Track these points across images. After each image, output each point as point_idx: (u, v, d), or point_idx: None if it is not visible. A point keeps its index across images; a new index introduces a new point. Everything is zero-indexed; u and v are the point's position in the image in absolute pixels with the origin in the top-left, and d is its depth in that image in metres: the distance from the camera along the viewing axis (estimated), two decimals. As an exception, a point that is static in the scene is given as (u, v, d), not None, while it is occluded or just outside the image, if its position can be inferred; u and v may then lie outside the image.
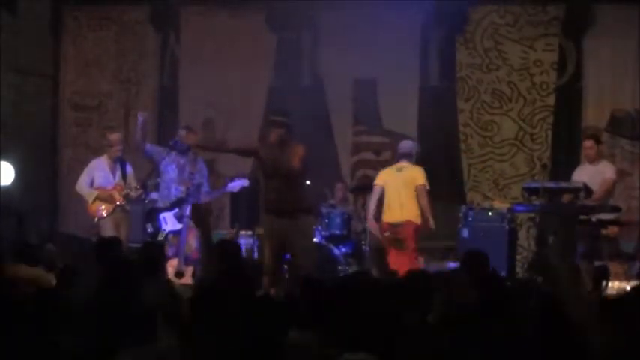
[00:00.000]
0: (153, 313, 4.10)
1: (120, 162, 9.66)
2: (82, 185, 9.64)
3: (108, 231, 9.35)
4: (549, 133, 10.98)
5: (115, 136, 9.85)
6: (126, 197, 9.49)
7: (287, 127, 7.68)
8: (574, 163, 10.19)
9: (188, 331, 3.79)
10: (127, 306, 4.14)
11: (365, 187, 10.62)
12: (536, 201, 9.25)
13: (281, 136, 7.64)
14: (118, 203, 9.48)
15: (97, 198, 9.51)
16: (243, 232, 10.35)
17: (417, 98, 11.26)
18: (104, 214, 9.47)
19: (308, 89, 11.53)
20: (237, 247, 6.70)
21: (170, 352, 3.73)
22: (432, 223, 8.85)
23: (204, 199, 9.34)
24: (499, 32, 11.12)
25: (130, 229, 9.61)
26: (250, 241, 10.14)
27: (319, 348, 3.93)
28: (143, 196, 9.70)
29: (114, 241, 6.89)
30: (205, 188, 9.30)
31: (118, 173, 9.61)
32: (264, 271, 7.66)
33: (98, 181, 9.59)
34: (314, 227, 8.67)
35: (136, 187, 9.51)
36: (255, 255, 9.91)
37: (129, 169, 9.71)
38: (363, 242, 10.09)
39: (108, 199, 9.50)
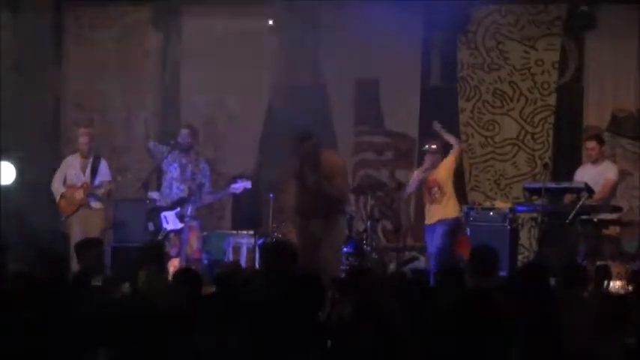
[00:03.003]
0: None
1: (94, 159, 9.70)
2: (55, 182, 9.77)
3: (74, 229, 9.52)
4: (551, 132, 10.97)
5: (82, 130, 9.97)
6: (89, 195, 9.54)
7: (311, 147, 7.78)
8: (575, 162, 10.21)
9: None
10: None
11: (366, 187, 10.64)
12: (538, 201, 9.26)
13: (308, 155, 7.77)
14: (80, 203, 9.56)
15: (62, 196, 9.61)
16: (244, 232, 10.34)
17: (419, 98, 11.26)
18: (67, 212, 9.59)
19: (309, 89, 11.51)
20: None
21: None
22: None
23: (206, 199, 9.36)
24: (501, 32, 11.11)
25: (103, 226, 9.73)
26: (251, 241, 10.13)
27: None
28: (109, 196, 9.80)
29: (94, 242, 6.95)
30: (207, 188, 9.32)
31: (88, 171, 9.67)
32: None
33: (69, 179, 9.70)
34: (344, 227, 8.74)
35: (108, 183, 9.58)
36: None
37: (102, 166, 9.75)
38: (364, 242, 10.08)
39: (70, 198, 9.58)
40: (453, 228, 9.46)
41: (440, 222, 9.44)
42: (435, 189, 9.50)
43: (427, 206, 9.64)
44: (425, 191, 9.61)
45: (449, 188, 9.52)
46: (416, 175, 9.69)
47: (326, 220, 7.86)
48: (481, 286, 5.57)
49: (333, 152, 8.02)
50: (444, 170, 9.54)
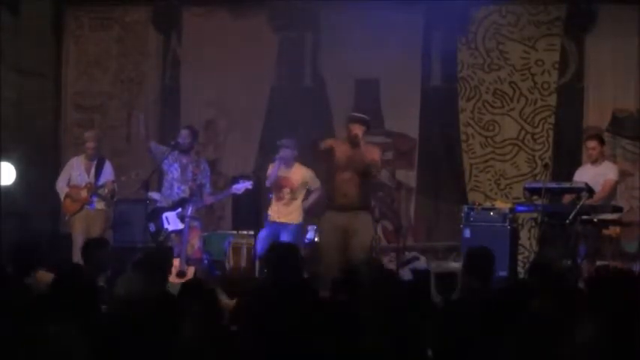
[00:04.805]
0: None
1: (98, 160, 9.78)
2: (59, 183, 9.85)
3: (76, 229, 9.60)
4: (551, 132, 10.96)
5: (88, 134, 10.04)
6: (93, 195, 9.59)
7: (368, 127, 8.37)
8: (575, 162, 10.21)
9: None
10: None
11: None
12: (538, 201, 9.26)
13: (358, 136, 8.24)
14: (84, 202, 9.61)
15: (67, 196, 9.69)
16: (244, 232, 10.33)
17: (419, 98, 11.25)
18: (71, 211, 9.65)
19: (310, 89, 11.52)
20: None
21: None
22: None
23: (207, 200, 9.37)
24: (501, 32, 11.10)
25: (104, 226, 9.79)
26: (251, 241, 10.12)
27: None
28: (113, 196, 9.84)
29: (101, 242, 6.97)
30: (207, 189, 9.32)
31: (92, 172, 9.74)
32: (325, 268, 7.80)
33: (73, 180, 9.75)
34: (373, 225, 8.81)
35: (111, 182, 9.63)
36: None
37: (107, 168, 9.82)
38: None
39: (75, 198, 9.64)
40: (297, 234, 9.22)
41: (283, 224, 9.20)
42: (287, 189, 9.26)
43: (273, 202, 9.33)
44: (276, 188, 9.30)
45: (300, 197, 9.30)
46: (270, 168, 9.30)
47: (354, 215, 8.06)
48: (474, 287, 5.60)
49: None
50: (300, 177, 9.29)
